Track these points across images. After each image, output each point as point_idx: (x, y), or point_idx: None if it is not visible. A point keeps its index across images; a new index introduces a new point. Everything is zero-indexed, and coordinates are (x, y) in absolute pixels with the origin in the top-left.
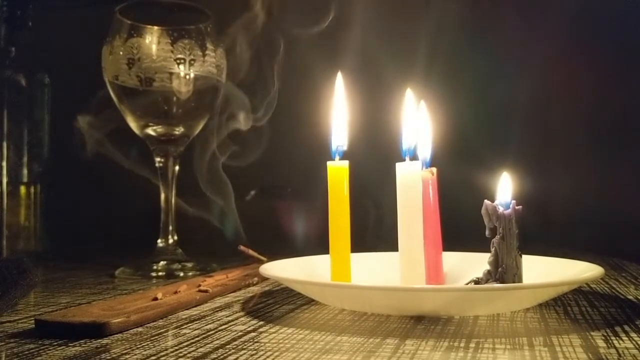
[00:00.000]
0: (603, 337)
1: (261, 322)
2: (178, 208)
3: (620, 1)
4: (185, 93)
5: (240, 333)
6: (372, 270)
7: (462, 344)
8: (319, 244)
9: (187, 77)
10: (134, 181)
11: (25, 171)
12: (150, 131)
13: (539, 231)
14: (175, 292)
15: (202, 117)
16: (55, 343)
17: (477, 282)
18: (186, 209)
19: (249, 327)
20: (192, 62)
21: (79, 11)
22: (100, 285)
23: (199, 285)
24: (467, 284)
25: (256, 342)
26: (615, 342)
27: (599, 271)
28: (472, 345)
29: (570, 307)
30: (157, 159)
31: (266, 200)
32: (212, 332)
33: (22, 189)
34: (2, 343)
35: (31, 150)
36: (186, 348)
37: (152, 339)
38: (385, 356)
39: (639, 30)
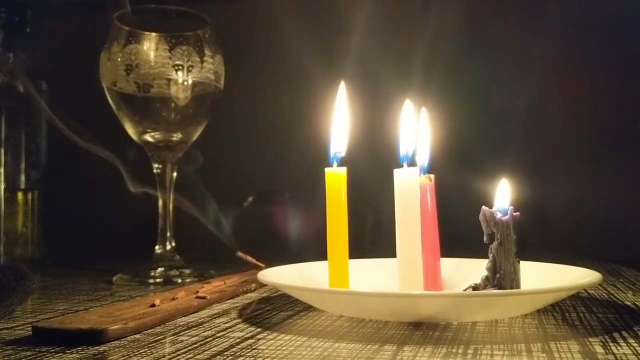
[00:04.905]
0: (601, 343)
1: (259, 329)
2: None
3: (620, 7)
4: (183, 99)
5: (238, 340)
6: (370, 276)
7: (460, 350)
8: (317, 250)
9: (185, 83)
10: (132, 187)
11: (22, 177)
12: (148, 137)
13: (537, 237)
14: (173, 299)
15: (200, 123)
16: (53, 350)
17: (475, 288)
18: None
19: (247, 333)
20: (190, 68)
21: (77, 17)
22: (97, 291)
23: (197, 292)
24: (465, 290)
25: (254, 348)
26: (613, 348)
27: (597, 277)
28: (470, 351)
29: (569, 313)
30: (155, 165)
31: (264, 206)
32: (210, 338)
33: (20, 195)
34: None
35: (29, 156)
36: (184, 355)
37: (149, 345)
38: None
39: (638, 37)
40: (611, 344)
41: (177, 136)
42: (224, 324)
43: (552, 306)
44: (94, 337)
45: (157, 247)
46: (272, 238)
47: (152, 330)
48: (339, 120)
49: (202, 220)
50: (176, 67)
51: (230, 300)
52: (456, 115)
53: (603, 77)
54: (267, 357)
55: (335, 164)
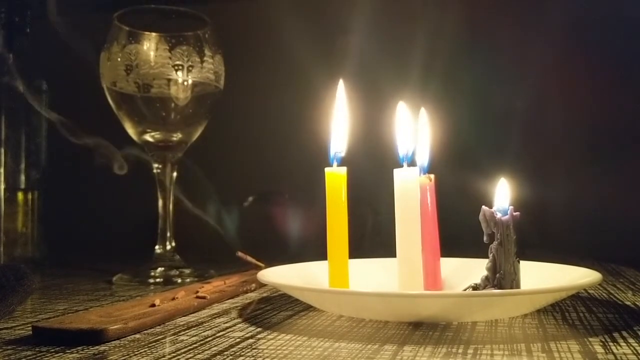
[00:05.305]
0: (601, 343)
1: (259, 329)
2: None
3: (618, 8)
4: (183, 99)
5: (238, 339)
6: (370, 276)
7: (460, 350)
8: (317, 250)
9: (185, 83)
10: (132, 187)
11: (22, 177)
12: (148, 137)
13: (537, 237)
14: (173, 299)
15: (200, 123)
16: (53, 350)
17: (475, 288)
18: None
19: (247, 333)
20: (190, 68)
21: (77, 18)
22: (97, 291)
23: (197, 292)
24: (465, 290)
25: (254, 348)
26: (613, 348)
27: (597, 277)
28: (470, 351)
29: (568, 313)
30: (155, 165)
31: (264, 207)
32: (210, 338)
33: (20, 195)
34: None
35: (29, 156)
36: (184, 355)
37: (149, 345)
38: None
39: (637, 37)
40: (611, 343)
41: (177, 136)
42: (224, 323)
43: (552, 306)
44: (94, 337)
45: (157, 247)
46: (272, 238)
47: (152, 330)
48: (339, 120)
49: (202, 220)
50: (176, 67)
51: (230, 300)
52: (456, 115)
53: (603, 77)
54: (267, 357)
55: (335, 163)
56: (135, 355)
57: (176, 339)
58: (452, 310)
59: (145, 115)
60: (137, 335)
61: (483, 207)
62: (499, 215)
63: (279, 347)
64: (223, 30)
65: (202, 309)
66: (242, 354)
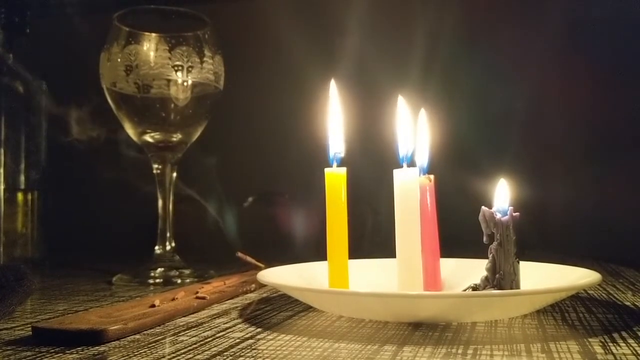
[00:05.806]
0: (601, 344)
1: (259, 329)
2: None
3: (617, 8)
4: (182, 100)
5: (238, 340)
6: (369, 276)
7: (459, 351)
8: (317, 251)
9: (185, 84)
10: (132, 187)
11: (22, 178)
12: (147, 138)
13: (537, 237)
14: (173, 299)
15: (200, 124)
16: (52, 350)
17: (474, 288)
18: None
19: (247, 334)
20: (190, 69)
21: (77, 18)
22: (97, 292)
23: (197, 292)
24: (464, 290)
25: (254, 349)
26: (612, 348)
27: (597, 277)
28: (470, 351)
29: (568, 314)
30: (155, 166)
31: (264, 207)
32: (210, 339)
33: (19, 195)
34: None
35: (28, 156)
36: (184, 355)
37: (149, 346)
38: None
39: (637, 37)
40: (610, 344)
41: (176, 137)
42: (224, 324)
43: (551, 306)
44: (94, 337)
45: (156, 247)
46: (272, 238)
47: (152, 330)
48: (335, 120)
49: (202, 220)
50: (176, 68)
51: (230, 300)
52: (456, 115)
53: (602, 77)
54: (267, 357)
55: (335, 164)
56: (135, 355)
57: (176, 340)
58: (452, 311)
59: (145, 115)
60: (137, 336)
61: (483, 207)
62: (498, 215)
63: (278, 348)
64: (223, 30)
65: (202, 309)
66: (242, 354)
